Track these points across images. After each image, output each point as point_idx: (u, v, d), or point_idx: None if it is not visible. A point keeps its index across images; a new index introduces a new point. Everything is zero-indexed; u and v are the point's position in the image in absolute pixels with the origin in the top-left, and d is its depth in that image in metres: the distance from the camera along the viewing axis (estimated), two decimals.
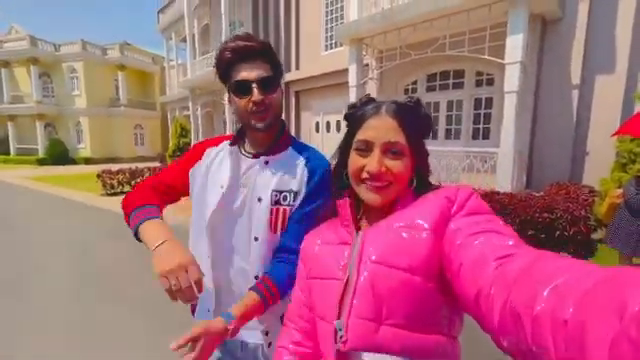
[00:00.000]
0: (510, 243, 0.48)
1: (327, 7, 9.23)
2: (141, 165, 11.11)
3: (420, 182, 0.67)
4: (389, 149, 0.63)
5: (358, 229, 0.67)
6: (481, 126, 6.42)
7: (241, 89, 0.85)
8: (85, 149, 20.95)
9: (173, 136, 14.08)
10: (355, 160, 0.66)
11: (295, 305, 0.75)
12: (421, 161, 0.67)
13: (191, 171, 0.97)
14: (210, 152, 0.97)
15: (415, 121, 0.66)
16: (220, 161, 0.94)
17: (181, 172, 0.98)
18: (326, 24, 9.29)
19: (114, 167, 9.99)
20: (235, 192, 0.90)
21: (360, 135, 0.66)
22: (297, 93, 10.18)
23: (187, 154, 1.02)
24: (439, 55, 5.74)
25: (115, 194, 8.81)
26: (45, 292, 3.14)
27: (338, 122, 9.09)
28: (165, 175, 0.99)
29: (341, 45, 8.12)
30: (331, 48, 9.26)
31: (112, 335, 2.42)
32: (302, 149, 0.96)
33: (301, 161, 0.92)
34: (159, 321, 2.57)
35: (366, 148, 0.65)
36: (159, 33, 17.57)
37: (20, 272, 3.63)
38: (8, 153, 21.16)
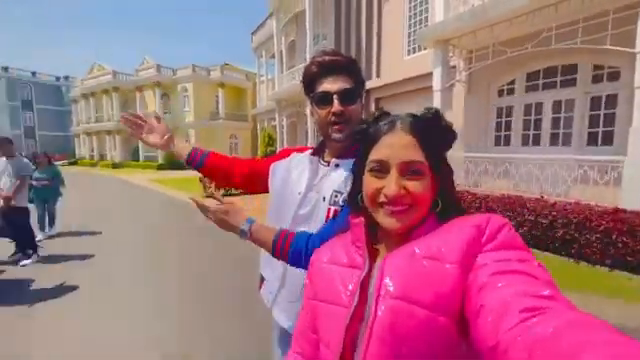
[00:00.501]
0: (544, 293, 0.41)
1: (410, 11, 8.97)
2: None
3: (445, 204, 0.60)
4: (407, 169, 0.57)
5: (372, 254, 0.61)
6: (600, 129, 5.36)
7: (323, 100, 0.90)
8: None
9: (261, 144, 15.41)
10: (370, 182, 0.60)
11: (300, 327, 0.70)
12: (444, 180, 0.61)
13: (272, 165, 1.08)
14: (295, 156, 1.07)
15: (435, 135, 0.60)
16: (301, 168, 1.01)
17: (266, 163, 1.11)
18: (409, 28, 9.03)
19: None
20: (308, 197, 0.97)
21: (374, 155, 0.60)
22: (377, 100, 10.09)
23: (275, 155, 1.16)
24: (542, 50, 5.03)
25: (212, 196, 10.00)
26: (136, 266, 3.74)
27: None
28: (254, 161, 1.18)
29: (424, 49, 7.77)
30: (413, 52, 8.95)
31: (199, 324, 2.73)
32: None
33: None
34: (240, 318, 2.79)
35: (381, 169, 0.59)
36: (252, 52, 19.54)
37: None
38: (137, 160, 26.05)
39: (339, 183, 0.91)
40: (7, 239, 4.25)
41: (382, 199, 0.58)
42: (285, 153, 1.11)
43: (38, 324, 2.70)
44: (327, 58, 0.90)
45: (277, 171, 1.06)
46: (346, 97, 0.89)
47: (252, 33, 19.34)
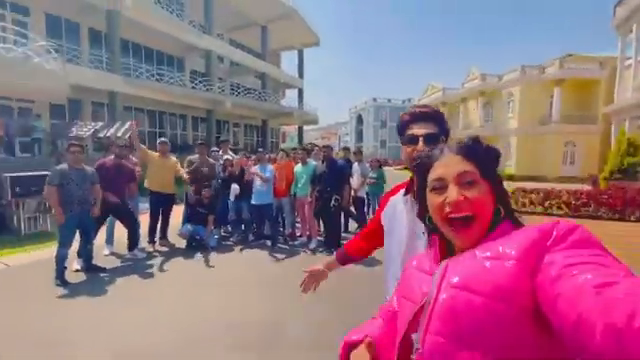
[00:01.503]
0: (617, 273, 0.45)
1: None
2: (561, 186, 9.83)
3: (503, 211, 0.66)
4: (463, 180, 0.65)
5: None
6: None
7: (410, 141, 1.09)
8: (511, 166, 22.32)
9: (614, 154, 11.14)
10: (433, 199, 0.68)
11: (386, 307, 0.84)
12: (497, 189, 0.68)
13: (382, 214, 1.25)
14: (392, 201, 1.20)
15: (480, 153, 0.68)
16: (399, 212, 1.14)
17: (377, 219, 1.28)
18: None
19: (530, 185, 9.73)
20: (415, 239, 1.06)
21: (432, 175, 0.70)
22: None
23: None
24: None
25: (525, 212, 8.58)
26: None
27: None
28: (370, 223, 1.37)
29: None
30: None
31: None
32: None
33: None
34: None
35: (441, 186, 0.67)
36: (613, 30, 14.49)
37: None
38: None
39: None
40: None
41: (447, 210, 0.65)
42: (384, 201, 1.25)
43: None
44: (417, 110, 1.11)
45: (385, 221, 1.22)
46: (429, 139, 1.04)
47: (616, 5, 14.35)
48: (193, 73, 19.52)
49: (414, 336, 0.62)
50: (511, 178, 20.81)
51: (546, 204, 8.50)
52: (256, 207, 5.41)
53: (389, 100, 52.42)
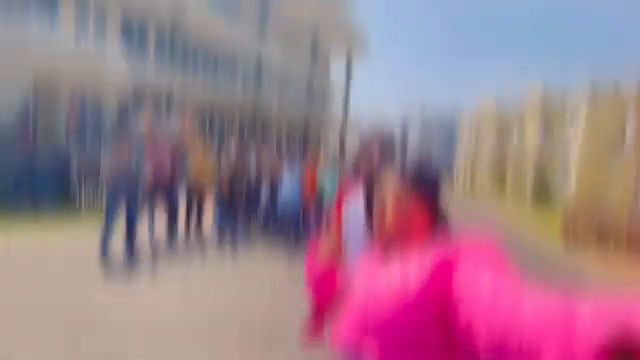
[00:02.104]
0: (513, 286, 0.53)
1: None
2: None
3: (438, 228, 0.77)
4: (401, 202, 0.76)
5: None
6: None
7: None
8: (567, 196, 20.28)
9: None
10: (377, 213, 0.80)
11: None
12: (436, 209, 0.79)
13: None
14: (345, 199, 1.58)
15: (423, 178, 0.80)
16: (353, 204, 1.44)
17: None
18: None
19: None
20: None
21: (377, 190, 0.82)
22: None
23: None
24: None
25: (574, 250, 7.73)
26: None
27: None
28: None
29: None
30: None
31: None
32: None
33: None
34: None
35: (384, 204, 0.78)
36: None
37: None
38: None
39: None
40: None
41: (387, 224, 0.77)
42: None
43: None
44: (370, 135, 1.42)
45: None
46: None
47: None
48: (244, 77, 20.59)
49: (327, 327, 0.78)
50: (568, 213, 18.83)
51: (601, 236, 7.58)
52: (283, 206, 5.57)
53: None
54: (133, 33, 15.44)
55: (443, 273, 0.62)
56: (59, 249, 4.51)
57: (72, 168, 6.62)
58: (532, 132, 23.53)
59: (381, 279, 0.68)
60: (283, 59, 21.65)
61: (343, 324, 0.70)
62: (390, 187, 0.78)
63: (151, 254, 4.63)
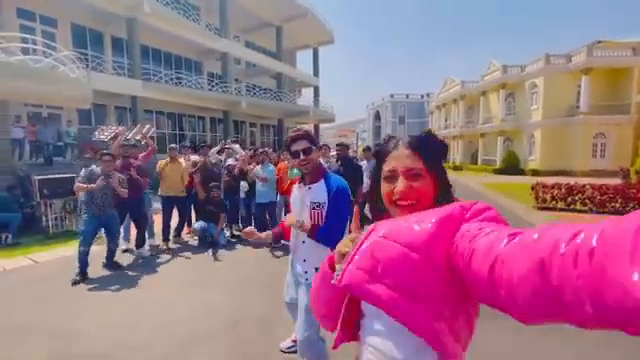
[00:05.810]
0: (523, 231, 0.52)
1: None
2: (587, 181, 9.26)
3: (443, 197, 0.80)
4: (410, 173, 0.79)
5: None
6: None
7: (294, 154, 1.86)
8: (535, 161, 21.41)
9: None
10: (385, 187, 0.83)
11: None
12: (441, 179, 0.82)
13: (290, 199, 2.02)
14: (293, 189, 1.98)
15: (430, 148, 0.82)
16: (295, 194, 1.94)
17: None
18: None
19: (551, 180, 9.29)
20: (301, 205, 1.86)
21: (386, 167, 0.84)
22: None
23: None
24: None
25: (546, 209, 8.22)
26: None
27: None
28: None
29: None
30: None
31: None
32: (328, 178, 1.84)
33: (325, 185, 1.82)
34: None
35: (392, 176, 0.81)
36: None
37: None
38: (476, 163, 26.82)
39: (312, 198, 1.82)
40: None
41: (395, 197, 0.80)
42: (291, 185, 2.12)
43: None
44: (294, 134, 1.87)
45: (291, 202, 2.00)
46: (305, 152, 1.79)
47: None
48: (210, 76, 19.99)
49: (337, 266, 0.76)
50: (536, 173, 19.95)
51: (569, 200, 8.10)
52: (261, 205, 5.51)
53: (407, 96, 51.08)
54: (86, 40, 14.51)
55: (449, 225, 0.64)
56: (31, 271, 4.27)
57: (34, 190, 6.21)
58: (495, 106, 24.50)
59: (392, 229, 0.69)
60: (248, 54, 21.19)
61: (354, 266, 0.69)
62: (400, 159, 0.81)
63: (132, 264, 4.55)
